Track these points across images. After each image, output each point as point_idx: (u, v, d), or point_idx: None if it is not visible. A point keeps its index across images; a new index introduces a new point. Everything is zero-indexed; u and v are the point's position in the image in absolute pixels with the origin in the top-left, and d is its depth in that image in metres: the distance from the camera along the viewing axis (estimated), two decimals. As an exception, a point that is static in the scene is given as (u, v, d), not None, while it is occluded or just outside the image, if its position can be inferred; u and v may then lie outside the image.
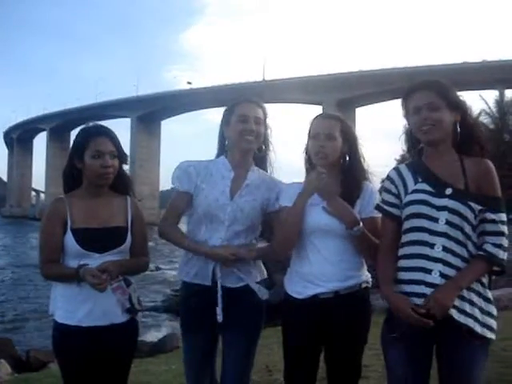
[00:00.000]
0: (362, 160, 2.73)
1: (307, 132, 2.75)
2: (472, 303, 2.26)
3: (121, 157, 2.69)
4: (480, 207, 2.26)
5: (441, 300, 2.20)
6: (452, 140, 2.41)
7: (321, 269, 2.59)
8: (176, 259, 27.03)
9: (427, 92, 2.39)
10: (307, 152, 2.77)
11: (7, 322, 14.56)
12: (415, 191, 2.37)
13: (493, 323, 2.30)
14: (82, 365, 2.58)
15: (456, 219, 2.27)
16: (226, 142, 2.88)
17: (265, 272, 2.91)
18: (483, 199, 2.27)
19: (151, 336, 11.02)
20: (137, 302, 2.67)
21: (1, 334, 12.11)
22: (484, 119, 36.72)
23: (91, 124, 2.75)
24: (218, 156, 2.92)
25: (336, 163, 2.70)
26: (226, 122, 2.84)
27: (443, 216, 2.28)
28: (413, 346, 2.33)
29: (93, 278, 2.42)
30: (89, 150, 2.59)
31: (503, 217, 2.30)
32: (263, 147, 2.90)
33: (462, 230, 2.27)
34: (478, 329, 2.24)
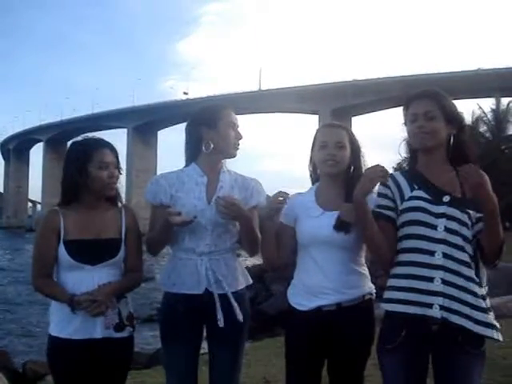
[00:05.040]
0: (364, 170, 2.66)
1: (312, 143, 2.73)
2: (465, 303, 2.24)
3: (119, 168, 2.71)
4: (478, 215, 2.26)
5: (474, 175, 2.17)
6: (446, 152, 2.42)
7: (322, 281, 2.56)
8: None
9: (426, 101, 2.40)
10: (312, 162, 2.76)
11: (3, 333, 14.45)
12: (412, 198, 2.36)
13: (488, 318, 2.27)
14: (75, 377, 2.56)
15: (454, 225, 2.27)
16: (211, 146, 2.74)
17: (249, 278, 2.87)
18: (480, 207, 2.26)
19: (148, 347, 10.94)
20: (126, 317, 2.65)
21: (-3, 346, 12.03)
22: (480, 127, 36.93)
23: (88, 137, 2.74)
24: (188, 160, 2.83)
25: (342, 173, 2.67)
26: (209, 124, 2.73)
27: (442, 223, 2.28)
28: (408, 356, 2.31)
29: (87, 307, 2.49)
30: (93, 162, 2.59)
31: None
32: None
33: (461, 235, 2.27)
34: (472, 327, 2.22)
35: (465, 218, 2.27)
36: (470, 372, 2.26)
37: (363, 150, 2.74)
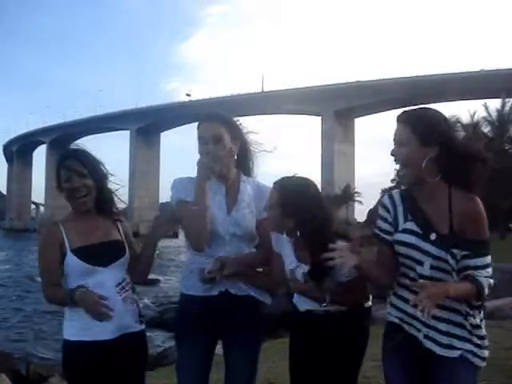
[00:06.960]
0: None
1: None
2: (446, 333, 2.27)
3: (96, 176, 2.63)
4: (463, 252, 2.22)
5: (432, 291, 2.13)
6: (439, 172, 2.27)
7: None
8: (175, 270, 26.91)
9: (401, 125, 2.30)
10: None
11: (7, 335, 14.49)
12: (404, 231, 2.34)
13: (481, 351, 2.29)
14: (97, 380, 2.54)
15: (440, 264, 2.26)
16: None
17: None
18: (468, 244, 2.22)
19: (152, 349, 10.93)
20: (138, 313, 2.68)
21: (1, 347, 12.05)
22: (485, 128, 36.94)
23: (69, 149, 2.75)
24: None
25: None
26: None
27: (428, 261, 2.27)
28: (407, 355, 2.34)
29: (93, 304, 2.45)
30: (62, 178, 2.59)
31: (488, 260, 2.25)
32: (246, 158, 2.83)
33: (447, 272, 2.26)
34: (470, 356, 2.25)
35: (448, 257, 2.24)
36: (462, 380, 2.27)
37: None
